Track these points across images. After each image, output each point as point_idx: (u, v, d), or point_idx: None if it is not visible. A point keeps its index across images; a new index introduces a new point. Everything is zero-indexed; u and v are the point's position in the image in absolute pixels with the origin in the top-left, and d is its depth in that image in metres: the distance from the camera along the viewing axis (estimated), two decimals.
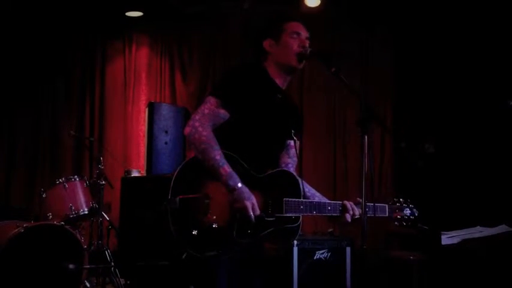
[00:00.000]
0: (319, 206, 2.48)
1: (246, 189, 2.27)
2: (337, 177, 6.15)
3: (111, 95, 6.42)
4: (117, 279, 4.85)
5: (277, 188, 2.40)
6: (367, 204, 2.48)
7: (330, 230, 5.30)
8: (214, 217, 2.25)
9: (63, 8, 6.09)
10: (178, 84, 6.40)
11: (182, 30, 6.47)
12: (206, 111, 2.33)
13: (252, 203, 2.25)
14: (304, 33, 2.54)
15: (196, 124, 2.30)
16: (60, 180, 4.70)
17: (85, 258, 4.37)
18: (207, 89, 6.25)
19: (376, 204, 2.57)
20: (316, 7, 5.86)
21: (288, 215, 2.39)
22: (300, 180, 2.48)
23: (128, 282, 4.97)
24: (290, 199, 2.40)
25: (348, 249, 4.79)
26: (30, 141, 6.26)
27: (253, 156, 2.39)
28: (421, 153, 5.54)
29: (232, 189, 2.25)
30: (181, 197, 2.23)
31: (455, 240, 4.03)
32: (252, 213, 2.25)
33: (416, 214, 2.71)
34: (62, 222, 4.45)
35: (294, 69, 2.54)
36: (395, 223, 2.65)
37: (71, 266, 4.28)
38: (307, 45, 2.51)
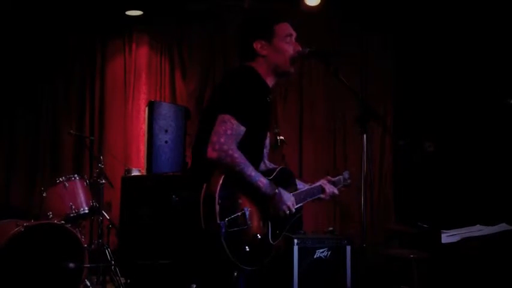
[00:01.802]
0: (311, 192, 2.74)
1: (283, 191, 2.44)
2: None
3: (111, 94, 6.42)
4: (118, 278, 4.85)
5: (284, 184, 2.55)
6: (330, 178, 2.88)
7: (330, 228, 5.31)
8: (254, 228, 2.36)
9: (63, 7, 6.08)
10: (179, 83, 6.40)
11: (182, 29, 6.46)
12: (229, 132, 2.30)
13: (292, 201, 2.46)
14: (294, 34, 2.57)
15: (225, 148, 2.27)
16: (61, 179, 4.70)
17: (85, 257, 4.36)
18: (207, 88, 6.25)
19: (335, 179, 2.93)
20: (316, 6, 5.85)
21: (297, 206, 2.56)
22: (291, 172, 2.72)
23: (128, 281, 4.97)
24: (295, 192, 2.60)
25: (348, 247, 4.80)
26: (31, 140, 6.25)
27: (254, 157, 2.46)
28: (421, 151, 5.54)
29: (273, 196, 2.39)
30: (229, 219, 2.25)
31: (455, 239, 4.03)
32: (293, 209, 2.47)
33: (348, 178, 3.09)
34: (62, 221, 4.45)
35: (287, 73, 2.57)
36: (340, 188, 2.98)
37: (71, 265, 4.28)
38: (299, 47, 2.54)
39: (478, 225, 4.13)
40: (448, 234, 4.05)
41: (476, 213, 4.70)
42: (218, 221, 2.18)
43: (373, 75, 6.23)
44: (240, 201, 2.32)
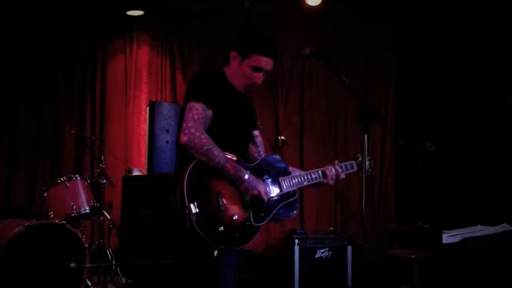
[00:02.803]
0: (307, 176, 2.78)
1: (253, 177, 2.50)
2: None
3: (112, 93, 6.42)
4: (118, 278, 4.86)
5: (270, 171, 2.66)
6: (339, 164, 2.88)
7: (331, 228, 5.31)
8: (232, 210, 2.44)
9: (64, 7, 6.08)
10: (179, 82, 6.39)
11: (183, 29, 6.46)
12: (196, 116, 2.45)
13: (263, 188, 2.52)
14: (266, 69, 2.61)
15: (192, 130, 2.41)
16: (62, 179, 4.69)
17: (86, 257, 4.35)
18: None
19: (343, 164, 2.92)
20: (317, 6, 5.85)
21: (286, 191, 2.66)
22: (281, 159, 2.78)
23: (129, 280, 4.97)
24: (284, 177, 2.69)
25: (349, 248, 4.80)
26: (31, 140, 6.24)
27: (232, 149, 2.55)
28: (422, 151, 5.53)
29: (242, 181, 2.45)
30: (198, 201, 2.35)
31: (456, 239, 4.03)
32: (265, 196, 2.51)
33: (373, 162, 3.01)
34: (63, 221, 4.43)
35: (237, 91, 2.66)
36: (360, 174, 2.94)
37: (72, 265, 4.27)
38: (259, 81, 2.62)
39: (479, 226, 4.13)
40: (449, 234, 4.05)
41: (477, 214, 4.69)
42: (187, 203, 2.30)
43: (373, 75, 6.22)
44: (212, 184, 2.42)
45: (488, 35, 5.33)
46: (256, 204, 2.51)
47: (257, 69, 2.58)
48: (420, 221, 4.57)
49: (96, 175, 5.10)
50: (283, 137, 5.49)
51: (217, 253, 2.42)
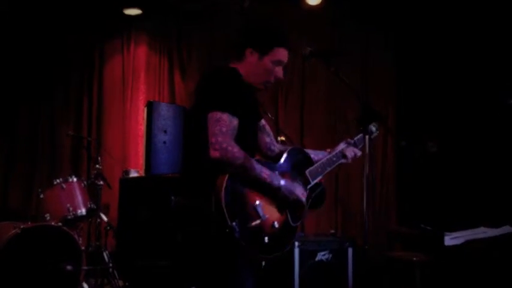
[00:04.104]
0: (328, 161, 2.79)
1: (288, 182, 2.47)
2: (339, 177, 6.11)
3: (110, 94, 6.38)
4: (116, 281, 4.84)
5: (295, 166, 2.63)
6: (350, 140, 2.90)
7: (332, 231, 5.28)
8: (271, 218, 2.41)
9: (61, 7, 6.05)
10: (177, 83, 6.36)
11: (181, 28, 6.43)
12: (224, 129, 2.32)
13: (300, 190, 2.50)
14: (285, 61, 2.56)
15: (224, 146, 2.29)
16: (58, 180, 4.68)
17: (83, 259, 4.38)
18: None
19: (356, 139, 2.93)
20: (317, 5, 5.83)
21: (314, 182, 2.67)
22: (302, 148, 2.79)
23: (127, 283, 4.95)
24: (309, 169, 2.68)
25: (350, 250, 4.76)
26: (28, 141, 6.21)
27: (251, 148, 2.50)
28: (423, 152, 5.50)
29: (278, 187, 2.42)
30: (240, 218, 2.29)
31: (458, 241, 3.99)
32: (303, 198, 2.50)
33: (377, 127, 3.00)
34: (60, 223, 4.44)
35: (255, 88, 2.59)
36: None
37: (68, 267, 4.28)
38: (281, 76, 2.57)
39: (481, 228, 4.09)
40: (451, 236, 4.01)
41: (479, 215, 4.66)
42: (229, 223, 2.23)
43: (374, 75, 6.21)
44: (248, 197, 2.35)
45: (490, 36, 5.30)
46: (292, 206, 2.49)
47: (278, 62, 2.52)
48: (422, 222, 4.53)
49: (93, 176, 5.06)
50: (283, 138, 5.44)
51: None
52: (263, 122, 2.77)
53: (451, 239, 4.00)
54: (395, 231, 5.29)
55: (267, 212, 2.39)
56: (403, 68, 6.16)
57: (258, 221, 2.34)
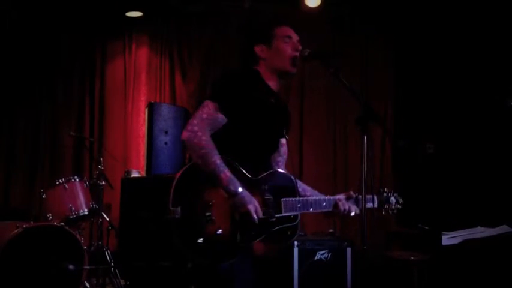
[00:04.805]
0: (315, 202, 2.53)
1: (246, 193, 2.29)
2: (337, 179, 6.14)
3: (111, 95, 6.40)
4: (117, 280, 4.84)
5: (273, 188, 2.42)
6: (352, 194, 2.61)
7: (331, 230, 5.29)
8: (218, 223, 2.25)
9: (63, 8, 6.07)
10: (178, 84, 6.39)
11: (182, 30, 6.45)
12: (204, 115, 2.32)
13: (254, 206, 2.28)
14: (295, 37, 2.56)
15: (195, 129, 2.28)
16: (60, 180, 4.69)
17: (85, 259, 4.35)
18: (207, 89, 6.24)
19: (361, 197, 2.52)
20: (317, 7, 5.84)
21: (286, 214, 2.42)
22: (293, 178, 2.53)
23: (128, 283, 4.95)
24: (287, 199, 2.44)
25: (349, 249, 4.78)
26: (30, 141, 6.23)
27: (248, 159, 2.41)
28: (421, 153, 5.53)
29: (234, 194, 2.26)
30: (183, 206, 2.22)
31: (456, 241, 4.02)
32: (255, 216, 2.27)
33: (400, 202, 2.75)
34: (62, 223, 4.44)
35: (288, 73, 2.56)
36: (383, 212, 2.72)
37: (70, 267, 4.27)
38: (300, 47, 2.53)
39: (479, 227, 4.12)
40: (449, 236, 4.04)
41: (477, 215, 4.68)
42: (170, 207, 2.20)
43: (373, 76, 6.22)
44: (205, 191, 2.26)
45: (488, 37, 5.32)
46: (245, 221, 2.27)
47: (287, 38, 2.52)
48: (420, 222, 4.56)
49: (94, 177, 5.08)
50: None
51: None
52: (283, 141, 2.66)
53: (448, 239, 4.03)
54: (394, 230, 5.32)
55: (217, 215, 2.25)
56: (401, 69, 6.18)
57: (202, 218, 2.22)
